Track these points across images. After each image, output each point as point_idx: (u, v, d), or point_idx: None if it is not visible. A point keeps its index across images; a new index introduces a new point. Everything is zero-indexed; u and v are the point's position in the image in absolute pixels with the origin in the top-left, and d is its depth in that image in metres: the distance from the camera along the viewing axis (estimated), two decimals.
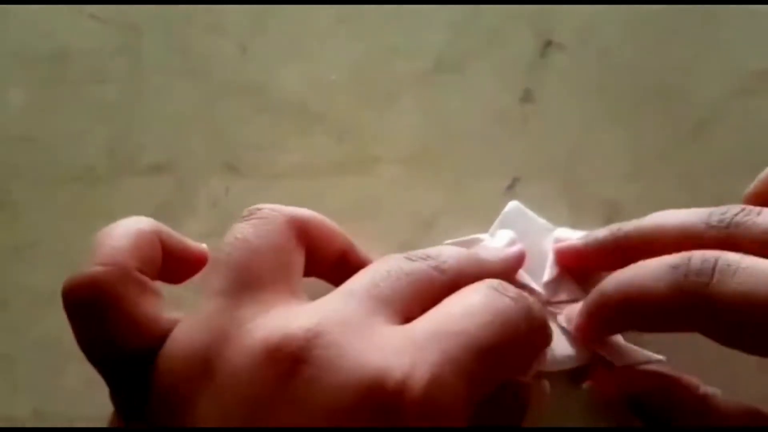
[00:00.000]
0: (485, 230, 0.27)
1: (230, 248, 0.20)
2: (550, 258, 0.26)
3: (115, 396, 0.20)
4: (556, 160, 0.29)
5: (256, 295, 0.19)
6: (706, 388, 0.24)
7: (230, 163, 0.29)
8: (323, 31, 0.30)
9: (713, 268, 0.20)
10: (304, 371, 0.17)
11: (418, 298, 0.20)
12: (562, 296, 0.25)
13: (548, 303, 0.25)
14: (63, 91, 0.30)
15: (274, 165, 0.29)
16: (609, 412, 0.26)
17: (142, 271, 0.21)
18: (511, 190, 0.28)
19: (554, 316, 0.25)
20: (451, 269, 0.21)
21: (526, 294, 0.20)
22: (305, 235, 0.22)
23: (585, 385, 0.25)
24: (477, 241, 0.26)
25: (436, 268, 0.21)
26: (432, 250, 0.21)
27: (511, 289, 0.20)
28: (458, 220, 0.28)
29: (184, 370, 0.18)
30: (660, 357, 0.24)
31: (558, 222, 0.27)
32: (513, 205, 0.27)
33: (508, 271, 0.24)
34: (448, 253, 0.21)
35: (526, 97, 0.29)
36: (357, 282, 0.20)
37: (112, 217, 0.28)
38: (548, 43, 0.30)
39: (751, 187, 0.24)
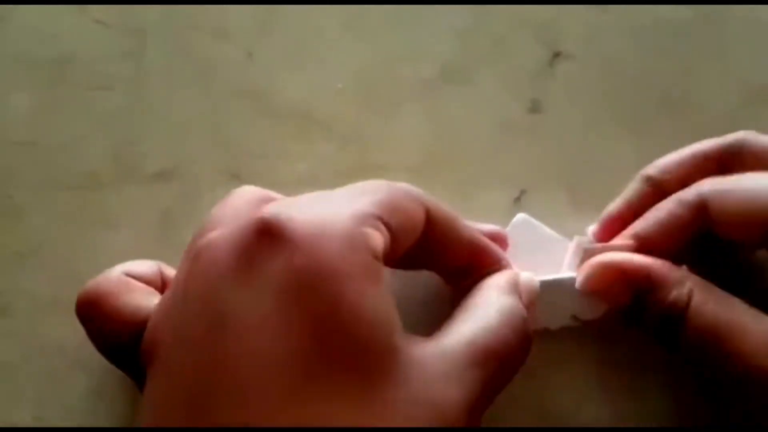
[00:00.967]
0: None
1: None
2: (567, 262, 0.26)
3: (132, 379, 0.23)
4: (563, 171, 0.28)
5: None
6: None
7: (234, 171, 0.29)
8: (328, 38, 0.30)
9: None
10: (203, 253, 0.19)
11: None
12: None
13: None
14: (67, 96, 0.30)
15: (278, 172, 0.29)
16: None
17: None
18: (519, 201, 0.28)
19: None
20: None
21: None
22: None
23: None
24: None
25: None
26: None
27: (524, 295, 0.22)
28: None
29: (156, 317, 0.21)
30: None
31: (565, 233, 0.27)
32: (520, 217, 0.27)
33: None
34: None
35: (533, 106, 0.29)
36: None
37: (116, 223, 0.28)
38: (556, 54, 0.30)
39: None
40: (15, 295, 0.28)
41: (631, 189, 0.26)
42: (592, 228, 0.26)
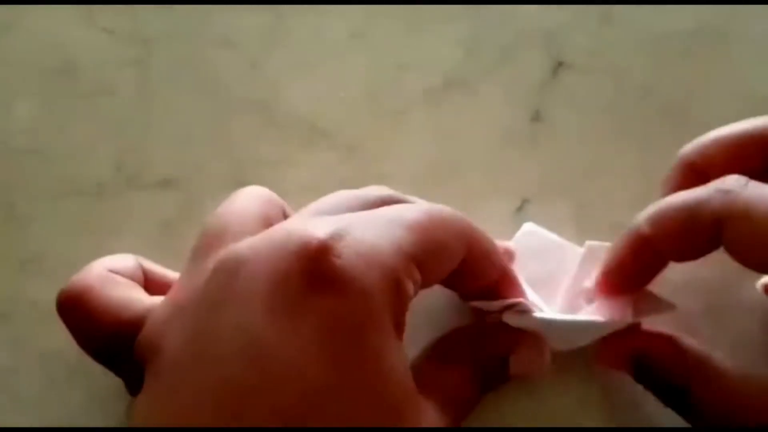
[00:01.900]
0: None
1: None
2: (579, 268, 0.25)
3: (120, 378, 0.22)
4: (566, 182, 0.28)
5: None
6: (718, 359, 0.23)
7: (238, 179, 0.29)
8: (333, 47, 0.30)
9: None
10: (241, 272, 0.18)
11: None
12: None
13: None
14: (71, 104, 0.30)
15: (282, 181, 0.29)
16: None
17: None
18: (521, 212, 0.28)
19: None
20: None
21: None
22: None
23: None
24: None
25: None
26: None
27: None
28: None
29: (162, 316, 0.20)
30: (674, 304, 0.24)
31: None
32: (528, 226, 0.27)
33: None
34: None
35: (537, 117, 0.29)
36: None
37: (119, 231, 0.28)
38: (559, 64, 0.30)
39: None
40: (16, 303, 0.28)
41: (672, 179, 0.25)
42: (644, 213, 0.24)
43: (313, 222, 0.19)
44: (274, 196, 0.23)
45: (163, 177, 0.29)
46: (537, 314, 0.23)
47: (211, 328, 0.18)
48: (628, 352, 0.24)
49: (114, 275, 0.22)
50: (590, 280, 0.25)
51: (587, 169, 0.29)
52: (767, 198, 0.21)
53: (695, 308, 0.26)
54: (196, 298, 0.19)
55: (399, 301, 0.19)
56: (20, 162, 0.29)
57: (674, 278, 0.25)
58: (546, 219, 0.28)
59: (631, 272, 0.24)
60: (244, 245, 0.19)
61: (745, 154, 0.23)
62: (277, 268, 0.18)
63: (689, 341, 0.23)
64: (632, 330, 0.24)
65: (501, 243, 0.25)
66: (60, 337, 0.27)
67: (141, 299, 0.22)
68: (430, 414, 0.20)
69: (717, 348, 0.24)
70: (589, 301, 0.24)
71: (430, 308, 0.25)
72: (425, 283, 0.20)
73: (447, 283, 0.23)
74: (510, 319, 0.23)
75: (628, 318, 0.23)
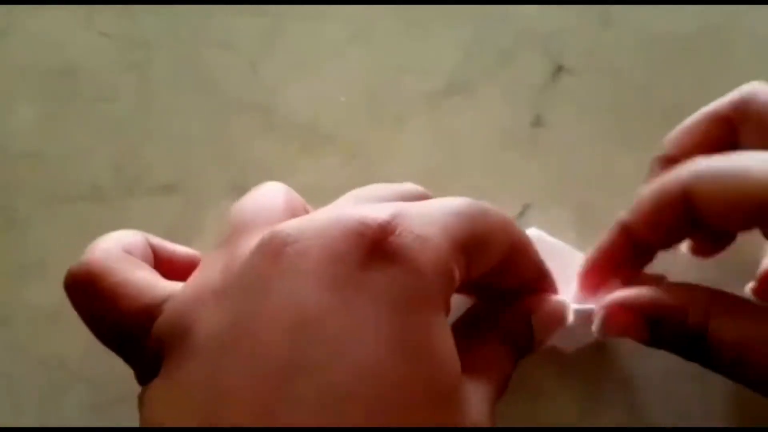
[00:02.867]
0: None
1: None
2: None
3: (131, 366, 0.21)
4: (566, 186, 0.28)
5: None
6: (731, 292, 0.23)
7: (238, 184, 0.29)
8: (333, 50, 0.30)
9: None
10: (288, 251, 0.18)
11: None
12: None
13: None
14: (71, 108, 0.30)
15: None
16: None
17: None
18: (523, 216, 0.28)
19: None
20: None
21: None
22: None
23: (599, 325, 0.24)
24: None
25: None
26: None
27: None
28: None
29: (192, 299, 0.19)
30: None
31: None
32: (532, 231, 0.27)
33: None
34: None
35: (537, 120, 0.29)
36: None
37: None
38: (559, 68, 0.30)
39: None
40: (17, 307, 0.28)
41: (651, 175, 0.26)
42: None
43: (367, 205, 0.19)
44: (295, 194, 0.23)
45: (163, 181, 0.29)
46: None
47: (258, 308, 0.17)
48: (640, 313, 0.23)
49: (128, 255, 0.21)
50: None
51: (588, 172, 0.29)
52: (730, 158, 0.22)
53: None
54: (235, 278, 0.19)
55: (449, 285, 0.19)
56: (20, 166, 0.29)
57: (674, 279, 0.25)
58: (548, 223, 0.28)
59: (613, 261, 0.24)
60: (288, 226, 0.19)
61: (711, 135, 0.24)
62: (333, 247, 0.18)
63: (697, 285, 0.23)
64: (640, 292, 0.23)
65: None
66: (60, 342, 0.27)
67: (158, 283, 0.21)
68: (479, 393, 0.20)
69: None
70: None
71: None
72: (469, 274, 0.20)
73: (487, 279, 0.22)
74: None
75: None
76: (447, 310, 0.19)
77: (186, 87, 0.30)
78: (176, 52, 0.30)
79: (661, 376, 0.26)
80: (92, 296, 0.20)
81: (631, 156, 0.29)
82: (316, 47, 0.30)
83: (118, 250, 0.21)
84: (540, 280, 0.24)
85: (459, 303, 0.25)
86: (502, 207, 0.28)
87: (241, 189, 0.29)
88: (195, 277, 0.20)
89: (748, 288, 0.26)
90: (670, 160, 0.25)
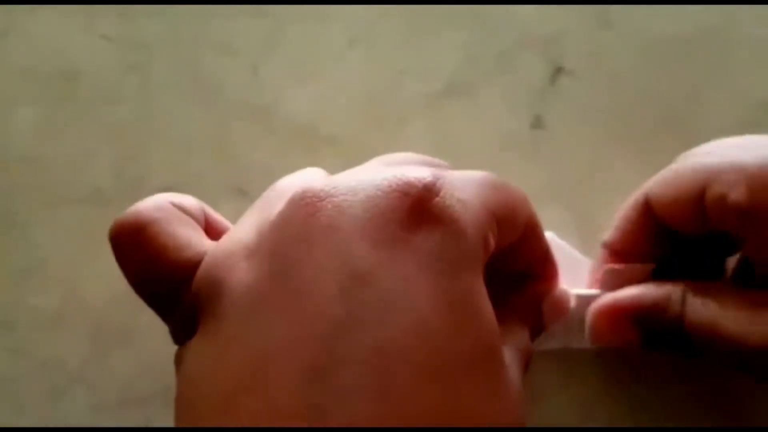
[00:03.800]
0: None
1: None
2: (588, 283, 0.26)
3: (167, 322, 0.21)
4: (566, 187, 0.29)
5: None
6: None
7: (239, 186, 0.29)
8: (334, 53, 0.30)
9: None
10: (326, 205, 0.18)
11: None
12: None
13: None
14: (72, 111, 0.30)
15: None
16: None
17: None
18: None
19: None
20: None
21: None
22: None
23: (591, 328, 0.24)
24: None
25: None
26: None
27: None
28: None
29: (225, 254, 0.19)
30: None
31: None
32: (548, 235, 0.27)
33: None
34: None
35: (536, 123, 0.29)
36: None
37: None
38: (558, 70, 0.30)
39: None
40: (18, 311, 0.28)
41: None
42: None
43: (407, 167, 0.19)
44: None
45: (164, 184, 0.29)
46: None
47: (298, 262, 0.17)
48: (625, 314, 0.24)
49: (177, 211, 0.21)
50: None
51: (587, 174, 0.29)
52: (685, 158, 0.24)
53: None
54: (269, 234, 0.18)
55: (486, 251, 0.19)
56: (20, 169, 0.29)
57: None
58: (546, 225, 0.27)
59: (632, 234, 0.25)
60: (320, 182, 0.18)
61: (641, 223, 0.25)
62: (376, 204, 0.17)
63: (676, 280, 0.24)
64: (618, 295, 0.24)
65: None
66: (61, 345, 0.27)
67: (202, 240, 0.20)
68: (512, 365, 0.20)
69: None
70: None
71: None
72: (497, 244, 0.20)
73: (501, 258, 0.22)
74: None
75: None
76: (484, 275, 0.19)
77: (187, 90, 0.30)
78: (177, 54, 0.30)
79: (662, 376, 0.26)
80: (137, 244, 0.20)
81: (631, 158, 0.29)
82: (317, 50, 0.30)
83: (168, 204, 0.21)
84: (546, 263, 0.24)
85: None
86: None
87: (242, 191, 0.29)
88: (228, 235, 0.20)
89: None
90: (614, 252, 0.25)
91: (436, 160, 0.23)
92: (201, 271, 0.19)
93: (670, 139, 0.29)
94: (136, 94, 0.30)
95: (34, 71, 0.30)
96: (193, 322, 0.18)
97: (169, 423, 0.26)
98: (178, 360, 0.19)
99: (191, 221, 0.21)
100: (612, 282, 0.25)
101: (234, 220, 0.28)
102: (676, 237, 0.24)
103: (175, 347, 0.25)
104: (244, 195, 0.29)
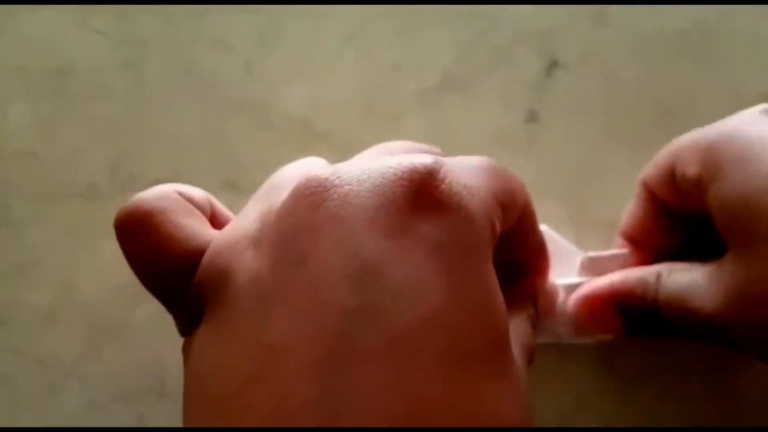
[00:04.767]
0: None
1: None
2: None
3: (173, 314, 0.20)
4: (560, 182, 0.29)
5: None
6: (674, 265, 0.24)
7: (234, 181, 0.29)
8: (329, 49, 0.30)
9: None
10: (331, 194, 0.17)
11: None
12: None
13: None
14: (66, 107, 0.30)
15: None
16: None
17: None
18: None
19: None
20: None
21: None
22: None
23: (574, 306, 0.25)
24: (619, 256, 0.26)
25: None
26: None
27: None
28: None
29: (229, 242, 0.18)
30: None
31: None
32: (541, 227, 0.27)
33: None
34: None
35: (531, 117, 0.29)
36: None
37: (113, 234, 0.28)
38: (553, 64, 0.30)
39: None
40: (14, 308, 0.28)
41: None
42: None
43: (409, 154, 0.19)
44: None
45: (159, 179, 0.29)
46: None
47: (305, 253, 0.17)
48: (606, 301, 0.24)
49: (183, 200, 0.20)
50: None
51: (581, 168, 0.29)
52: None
53: None
54: (274, 223, 0.18)
55: (493, 236, 0.19)
56: (15, 165, 0.29)
57: None
58: (541, 219, 0.28)
59: (641, 219, 0.25)
60: (324, 171, 0.18)
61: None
62: (382, 192, 0.17)
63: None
64: (595, 284, 0.25)
65: None
66: (57, 342, 0.27)
67: (207, 230, 0.20)
68: (519, 360, 0.19)
69: None
70: None
71: None
72: (501, 227, 0.20)
73: (498, 245, 0.22)
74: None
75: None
76: (492, 260, 0.19)
77: (182, 85, 0.30)
78: (172, 50, 0.30)
79: (655, 365, 0.26)
80: (142, 234, 0.19)
81: (625, 152, 0.29)
82: (312, 46, 0.30)
83: (174, 194, 0.20)
84: (539, 253, 0.24)
85: None
86: None
87: (236, 187, 0.29)
88: (231, 225, 0.19)
89: None
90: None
91: (433, 148, 0.22)
92: (206, 260, 0.18)
93: (665, 134, 0.29)
94: (130, 90, 0.30)
95: (28, 67, 0.30)
96: (200, 313, 0.18)
97: (164, 417, 0.26)
98: (186, 351, 0.19)
99: (196, 212, 0.21)
100: (592, 270, 0.25)
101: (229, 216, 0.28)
102: (684, 218, 0.25)
103: (169, 342, 0.25)
104: (239, 190, 0.29)
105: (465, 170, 0.19)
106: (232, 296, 0.17)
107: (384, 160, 0.18)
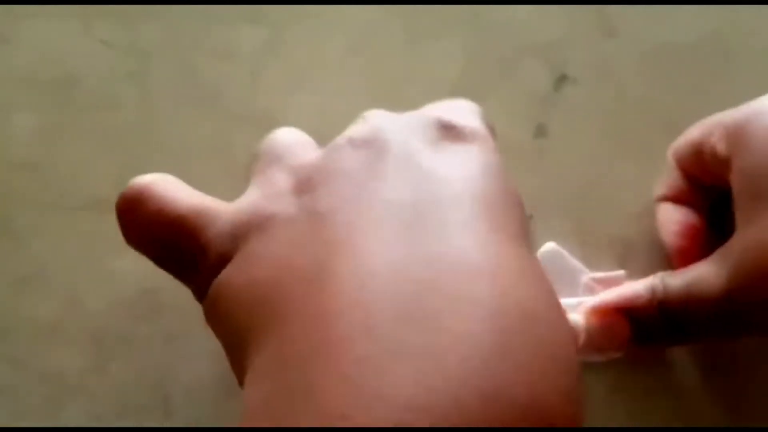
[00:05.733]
0: None
1: None
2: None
3: (186, 281, 0.20)
4: (569, 197, 0.28)
5: None
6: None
7: (239, 192, 0.29)
8: (334, 61, 0.30)
9: None
10: (373, 143, 0.19)
11: None
12: None
13: None
14: (71, 117, 0.30)
15: None
16: None
17: None
18: None
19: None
20: None
21: None
22: None
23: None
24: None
25: None
26: None
27: None
28: None
29: (265, 196, 0.19)
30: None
31: None
32: (549, 246, 0.27)
33: None
34: None
35: (540, 131, 0.29)
36: None
37: (119, 247, 0.28)
38: (562, 78, 0.30)
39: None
40: (16, 320, 0.27)
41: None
42: None
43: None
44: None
45: None
46: None
47: (369, 186, 0.18)
48: (617, 310, 0.25)
49: (174, 178, 0.21)
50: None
51: (590, 182, 0.29)
52: None
53: None
54: (316, 171, 0.19)
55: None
56: (19, 176, 0.29)
57: None
58: (548, 233, 0.28)
59: (674, 182, 0.27)
60: (357, 129, 0.21)
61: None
62: (416, 125, 0.20)
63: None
64: (606, 296, 0.25)
65: None
66: (60, 355, 0.27)
67: (212, 199, 0.20)
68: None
69: None
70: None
71: None
72: None
73: None
74: None
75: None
76: None
77: (186, 96, 0.30)
78: (176, 61, 0.30)
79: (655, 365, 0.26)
80: (147, 198, 0.20)
81: (633, 166, 0.29)
82: (317, 57, 0.30)
83: (171, 176, 0.21)
84: None
85: None
86: None
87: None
88: (249, 192, 0.20)
89: None
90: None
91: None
92: (241, 213, 0.19)
93: None
94: (135, 100, 0.30)
95: (33, 77, 0.30)
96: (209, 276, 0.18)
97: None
98: (211, 294, 0.18)
99: (188, 186, 0.21)
100: (595, 290, 0.26)
101: None
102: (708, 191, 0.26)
103: (174, 358, 0.25)
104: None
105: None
106: (271, 232, 0.18)
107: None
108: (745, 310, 0.22)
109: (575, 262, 0.27)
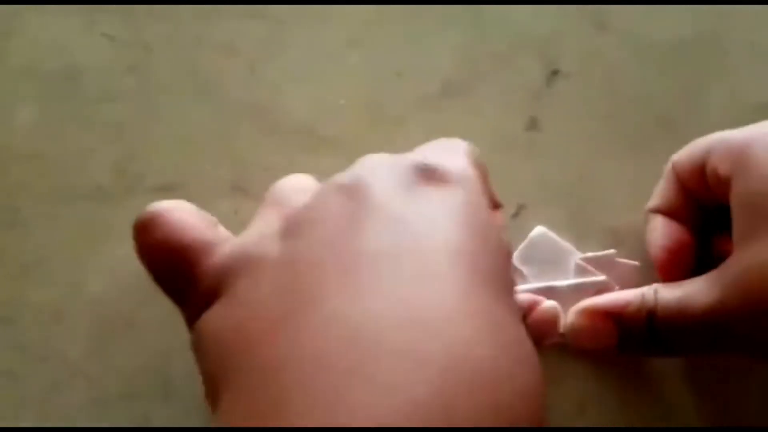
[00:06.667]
0: None
1: None
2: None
3: (180, 305, 0.21)
4: (560, 189, 0.29)
5: None
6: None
7: (239, 185, 0.29)
8: (333, 54, 0.31)
9: None
10: (357, 187, 0.20)
11: None
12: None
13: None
14: (72, 109, 0.30)
15: None
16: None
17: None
18: (517, 217, 0.28)
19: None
20: None
21: None
22: None
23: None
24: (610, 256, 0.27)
25: None
26: None
27: None
28: None
29: (257, 236, 0.20)
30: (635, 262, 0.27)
31: None
32: (539, 230, 0.28)
33: None
34: None
35: (532, 124, 0.30)
36: None
37: (120, 236, 0.28)
38: (554, 72, 0.30)
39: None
40: (19, 307, 0.28)
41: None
42: None
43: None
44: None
45: (164, 181, 0.29)
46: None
47: (349, 231, 0.18)
48: (604, 315, 0.25)
49: (188, 205, 0.22)
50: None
51: (582, 175, 0.29)
52: None
53: None
54: (304, 216, 0.20)
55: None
56: (21, 167, 0.29)
57: None
58: (541, 223, 0.28)
59: (667, 197, 0.27)
60: (342, 175, 0.21)
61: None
62: (396, 171, 0.20)
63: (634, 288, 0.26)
64: (597, 299, 0.26)
65: None
66: (62, 341, 0.27)
67: (219, 228, 0.21)
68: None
69: None
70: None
71: None
72: None
73: None
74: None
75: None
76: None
77: (187, 89, 0.30)
78: (177, 54, 0.31)
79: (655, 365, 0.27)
80: (161, 223, 0.21)
81: (625, 159, 0.29)
82: (316, 51, 0.31)
83: (188, 203, 0.22)
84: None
85: None
86: None
87: (241, 190, 0.29)
88: (249, 229, 0.21)
89: None
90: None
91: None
92: (234, 250, 0.20)
93: (666, 142, 0.29)
94: (136, 92, 0.30)
95: (36, 69, 0.31)
96: (212, 303, 0.19)
97: (169, 416, 0.26)
98: (198, 330, 0.19)
99: (210, 217, 0.22)
100: (588, 270, 0.26)
101: (233, 219, 0.28)
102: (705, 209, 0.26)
103: (175, 342, 0.25)
104: (244, 193, 0.29)
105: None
106: (259, 272, 0.18)
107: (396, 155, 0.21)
108: (735, 329, 0.22)
109: (565, 244, 0.27)
